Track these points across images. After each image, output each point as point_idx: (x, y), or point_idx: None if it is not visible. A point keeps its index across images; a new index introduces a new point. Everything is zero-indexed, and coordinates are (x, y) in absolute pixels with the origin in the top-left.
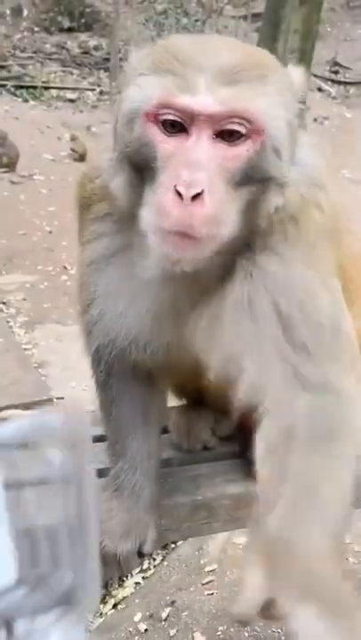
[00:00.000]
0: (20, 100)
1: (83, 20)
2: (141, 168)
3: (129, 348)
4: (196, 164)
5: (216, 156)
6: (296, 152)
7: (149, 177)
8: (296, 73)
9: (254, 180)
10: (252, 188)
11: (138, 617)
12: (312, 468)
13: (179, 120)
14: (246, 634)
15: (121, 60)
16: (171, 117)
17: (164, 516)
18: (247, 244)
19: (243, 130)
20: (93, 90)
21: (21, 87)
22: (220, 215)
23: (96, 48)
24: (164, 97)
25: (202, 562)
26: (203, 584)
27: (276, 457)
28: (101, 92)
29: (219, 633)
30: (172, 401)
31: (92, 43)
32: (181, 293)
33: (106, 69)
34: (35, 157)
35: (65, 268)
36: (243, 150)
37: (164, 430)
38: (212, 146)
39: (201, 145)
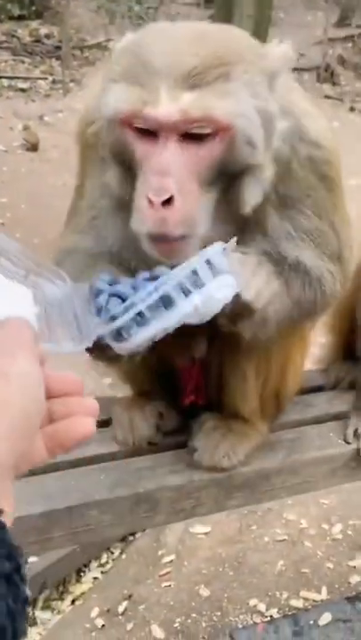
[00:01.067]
0: None
1: (33, 8)
2: (128, 165)
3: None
4: (164, 171)
5: (184, 158)
6: (276, 127)
7: (137, 173)
8: (276, 51)
9: (231, 171)
10: (231, 178)
11: (95, 612)
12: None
13: (148, 128)
14: (204, 624)
15: (73, 48)
16: (141, 125)
17: (105, 511)
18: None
19: (208, 131)
20: (45, 79)
21: None
22: (194, 214)
23: (47, 36)
24: (132, 109)
25: (159, 553)
26: (160, 576)
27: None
28: (54, 81)
29: (176, 625)
30: (118, 391)
31: (43, 31)
32: None
33: (58, 58)
34: None
35: None
36: (212, 148)
37: (107, 423)
38: (179, 149)
39: (168, 150)
